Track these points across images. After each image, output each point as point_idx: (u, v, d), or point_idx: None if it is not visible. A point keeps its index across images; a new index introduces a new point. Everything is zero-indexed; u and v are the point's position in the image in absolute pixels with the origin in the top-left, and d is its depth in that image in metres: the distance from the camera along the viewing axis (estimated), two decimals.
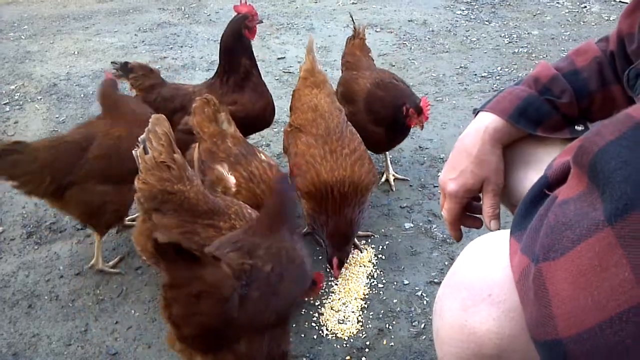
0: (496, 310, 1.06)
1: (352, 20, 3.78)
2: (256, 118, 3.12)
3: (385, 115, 3.09)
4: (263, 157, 2.76)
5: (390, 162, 3.50)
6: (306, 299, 2.63)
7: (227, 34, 3.12)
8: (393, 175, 3.46)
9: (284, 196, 2.15)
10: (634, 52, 1.56)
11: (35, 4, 6.77)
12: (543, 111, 1.55)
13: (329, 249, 2.69)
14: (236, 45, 3.07)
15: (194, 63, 5.12)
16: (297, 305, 2.36)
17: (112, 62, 3.25)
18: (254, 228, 2.08)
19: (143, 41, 5.63)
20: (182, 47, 5.48)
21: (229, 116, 2.83)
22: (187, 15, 6.26)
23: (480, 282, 1.10)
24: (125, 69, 3.15)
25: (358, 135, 2.91)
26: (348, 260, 2.84)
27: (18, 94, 4.64)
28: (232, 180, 2.62)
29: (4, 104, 4.48)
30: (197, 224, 2.30)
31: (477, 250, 1.18)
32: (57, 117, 4.26)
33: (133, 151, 2.31)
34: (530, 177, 1.56)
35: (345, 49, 3.66)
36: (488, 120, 1.50)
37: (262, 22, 3.09)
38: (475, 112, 1.58)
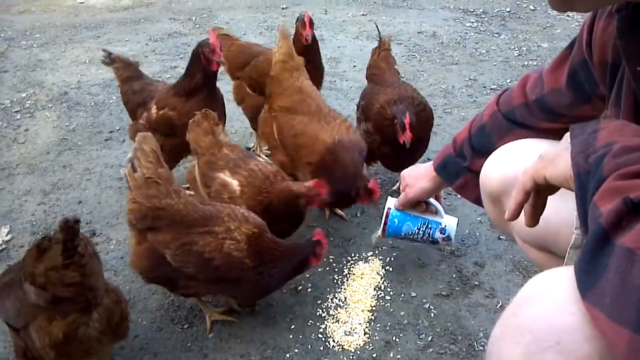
0: (565, 359, 0.98)
1: (378, 30, 3.79)
2: (185, 126, 3.08)
3: (391, 133, 3.05)
4: (261, 159, 2.86)
5: None
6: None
7: (194, 48, 3.17)
8: None
9: None
10: (566, 106, 1.78)
11: (48, 12, 6.83)
12: (456, 169, 2.19)
13: (355, 187, 2.83)
14: (194, 60, 3.13)
15: None
16: None
17: (102, 50, 3.50)
18: None
19: (154, 50, 5.66)
20: None
21: (223, 128, 2.95)
22: (198, 25, 6.29)
23: (547, 327, 1.01)
24: (109, 59, 3.44)
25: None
26: (355, 272, 2.85)
27: (29, 101, 4.67)
28: (235, 183, 2.67)
29: (15, 111, 4.51)
30: (193, 234, 2.32)
31: (540, 291, 1.09)
32: (67, 125, 4.28)
33: (121, 170, 2.35)
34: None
35: (370, 60, 3.66)
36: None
37: (222, 63, 3.15)
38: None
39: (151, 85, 3.43)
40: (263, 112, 3.29)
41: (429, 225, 2.66)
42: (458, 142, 2.20)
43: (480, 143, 2.10)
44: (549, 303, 1.04)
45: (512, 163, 1.81)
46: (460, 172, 2.21)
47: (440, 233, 2.67)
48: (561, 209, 1.44)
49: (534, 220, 1.31)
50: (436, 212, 2.68)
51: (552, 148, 1.20)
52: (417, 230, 2.65)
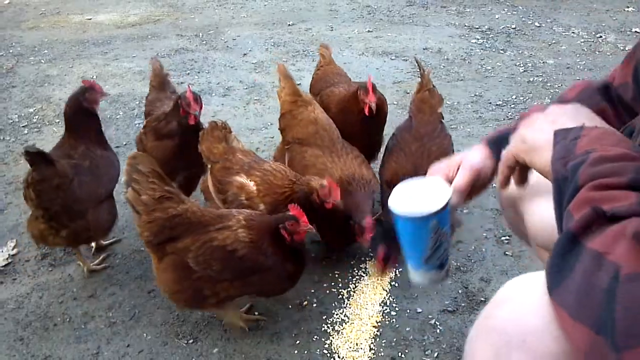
0: (530, 357, 1.02)
1: (418, 64, 3.55)
2: None
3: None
4: (272, 163, 2.90)
5: None
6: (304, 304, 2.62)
7: (176, 97, 3.15)
8: None
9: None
10: (633, 99, 1.67)
11: (56, 29, 6.89)
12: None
13: (357, 215, 2.69)
14: (174, 107, 3.09)
15: (210, 89, 5.17)
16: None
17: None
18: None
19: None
20: (199, 72, 5.54)
21: (236, 136, 3.02)
22: (204, 42, 6.34)
23: (516, 328, 1.07)
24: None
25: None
26: (360, 287, 2.84)
27: (37, 117, 4.71)
28: (251, 184, 2.73)
29: (23, 126, 4.54)
30: (211, 231, 2.35)
31: (512, 294, 1.15)
32: None
33: (123, 195, 2.35)
34: (540, 206, 1.68)
35: (413, 97, 3.40)
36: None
37: (197, 116, 3.00)
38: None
39: (161, 101, 3.45)
40: (278, 146, 3.27)
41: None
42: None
43: None
44: (518, 305, 1.10)
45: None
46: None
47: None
48: None
49: (522, 183, 1.39)
50: None
51: (537, 134, 1.21)
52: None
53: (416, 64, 3.60)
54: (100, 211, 2.86)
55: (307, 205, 2.52)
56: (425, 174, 2.86)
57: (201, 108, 3.02)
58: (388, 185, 2.97)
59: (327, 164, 2.89)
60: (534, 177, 1.74)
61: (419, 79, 3.43)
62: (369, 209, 2.78)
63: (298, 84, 5.13)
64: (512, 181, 1.88)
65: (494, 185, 3.77)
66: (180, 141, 3.06)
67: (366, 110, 3.10)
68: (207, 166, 2.95)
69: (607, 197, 0.94)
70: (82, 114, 3.00)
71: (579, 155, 1.04)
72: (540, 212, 1.72)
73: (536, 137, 1.20)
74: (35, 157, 2.66)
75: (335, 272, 2.96)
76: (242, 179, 2.76)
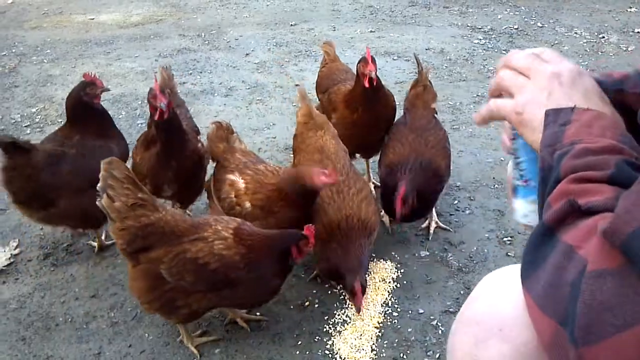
0: (506, 345, 1.06)
1: (417, 61, 3.58)
2: (140, 176, 2.94)
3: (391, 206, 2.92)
4: (271, 164, 2.89)
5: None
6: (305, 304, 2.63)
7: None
8: (436, 222, 3.28)
9: None
10: None
11: (59, 29, 6.90)
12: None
13: (346, 278, 2.59)
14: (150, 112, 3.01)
15: (212, 88, 5.17)
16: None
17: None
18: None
19: (163, 66, 5.69)
20: (201, 72, 5.55)
21: (239, 137, 3.05)
22: (206, 42, 6.34)
23: (491, 317, 1.10)
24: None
25: (363, 177, 2.95)
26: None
27: (39, 116, 4.71)
28: (241, 181, 2.74)
29: (25, 126, 4.55)
30: (184, 243, 2.32)
31: (489, 285, 1.18)
32: None
33: (97, 202, 2.32)
34: None
35: (408, 94, 3.47)
36: None
37: (163, 108, 2.77)
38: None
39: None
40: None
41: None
42: (615, 75, 1.55)
43: None
44: (495, 297, 1.14)
45: None
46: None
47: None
48: None
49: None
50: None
51: (533, 108, 1.16)
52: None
53: (415, 61, 3.59)
54: (75, 200, 2.85)
55: (297, 193, 2.58)
56: (425, 158, 2.90)
57: (170, 105, 2.81)
58: (386, 175, 3.02)
59: (324, 199, 2.75)
60: None
61: (417, 76, 3.46)
62: (359, 262, 2.64)
63: (298, 84, 5.18)
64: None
65: (494, 185, 3.79)
66: (164, 147, 2.88)
67: (366, 82, 3.08)
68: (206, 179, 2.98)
69: (585, 190, 0.94)
70: (81, 107, 3.04)
71: (565, 145, 1.03)
72: None
73: (531, 111, 1.16)
74: (8, 146, 2.73)
75: None
76: (233, 176, 2.77)
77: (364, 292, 2.58)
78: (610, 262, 0.83)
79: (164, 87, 2.97)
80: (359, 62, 3.14)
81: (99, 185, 2.31)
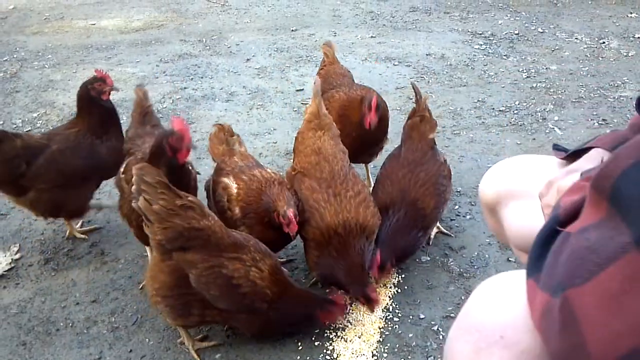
0: (508, 352, 1.04)
1: (415, 90, 3.34)
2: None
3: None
4: (269, 170, 2.88)
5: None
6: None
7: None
8: (437, 227, 3.27)
9: None
10: None
11: (60, 34, 6.92)
12: None
13: (351, 291, 2.65)
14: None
15: (213, 94, 5.18)
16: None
17: None
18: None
19: (164, 72, 5.71)
20: (202, 78, 5.55)
21: (240, 139, 3.07)
22: (207, 47, 6.35)
23: (492, 324, 1.09)
24: None
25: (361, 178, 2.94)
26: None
27: (40, 121, 4.72)
28: (234, 186, 2.74)
29: (27, 131, 4.55)
30: (223, 257, 2.34)
31: (489, 292, 1.17)
32: None
33: (133, 204, 2.32)
34: (516, 211, 1.74)
35: (406, 122, 3.29)
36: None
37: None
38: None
39: (142, 137, 3.07)
40: (287, 170, 3.20)
41: None
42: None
43: None
44: (494, 303, 1.13)
45: (507, 176, 1.86)
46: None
47: None
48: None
49: None
50: None
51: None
52: None
53: (412, 88, 3.41)
54: (46, 193, 3.03)
55: (267, 218, 2.64)
56: (412, 199, 2.86)
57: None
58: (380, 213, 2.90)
59: (320, 203, 2.72)
60: (510, 183, 1.79)
61: (414, 105, 3.31)
62: (362, 270, 2.67)
63: (300, 89, 5.19)
64: (492, 188, 1.92)
65: None
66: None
67: (366, 124, 3.14)
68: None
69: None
70: (88, 100, 3.12)
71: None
72: (516, 217, 1.76)
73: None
74: None
75: None
76: (228, 180, 2.77)
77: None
78: (594, 217, 0.87)
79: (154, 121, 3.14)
80: (363, 99, 3.18)
81: (133, 188, 2.32)
